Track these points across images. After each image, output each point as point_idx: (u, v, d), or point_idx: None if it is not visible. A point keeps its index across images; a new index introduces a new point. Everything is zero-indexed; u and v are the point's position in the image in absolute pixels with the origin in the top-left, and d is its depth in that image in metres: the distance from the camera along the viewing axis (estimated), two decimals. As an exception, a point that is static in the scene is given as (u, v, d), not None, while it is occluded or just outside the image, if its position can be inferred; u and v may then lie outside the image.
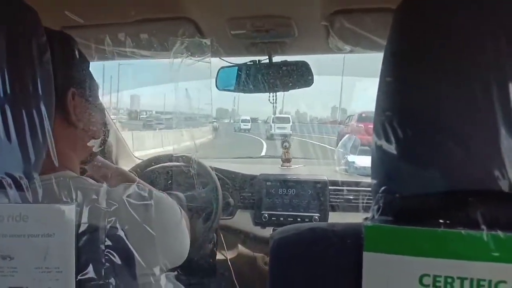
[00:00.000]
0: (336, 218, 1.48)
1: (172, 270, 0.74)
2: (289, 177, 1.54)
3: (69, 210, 0.50)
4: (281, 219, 1.49)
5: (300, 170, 1.74)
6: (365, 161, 1.63)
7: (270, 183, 1.53)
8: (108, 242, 0.53)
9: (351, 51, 1.17)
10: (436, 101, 0.45)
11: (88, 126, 0.70)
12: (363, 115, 10.98)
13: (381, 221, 0.49)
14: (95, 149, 0.63)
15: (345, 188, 1.51)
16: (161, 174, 1.41)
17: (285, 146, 1.73)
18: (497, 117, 0.42)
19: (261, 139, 15.89)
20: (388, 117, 0.49)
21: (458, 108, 0.44)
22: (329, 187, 1.50)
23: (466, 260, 0.43)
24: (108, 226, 0.54)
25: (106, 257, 0.53)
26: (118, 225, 0.54)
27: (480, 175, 0.43)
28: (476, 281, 0.42)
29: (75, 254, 0.50)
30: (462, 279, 0.43)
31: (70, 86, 0.69)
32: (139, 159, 1.78)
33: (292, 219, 1.48)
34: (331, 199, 1.50)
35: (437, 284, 0.44)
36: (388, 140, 0.48)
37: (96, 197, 0.55)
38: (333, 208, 1.50)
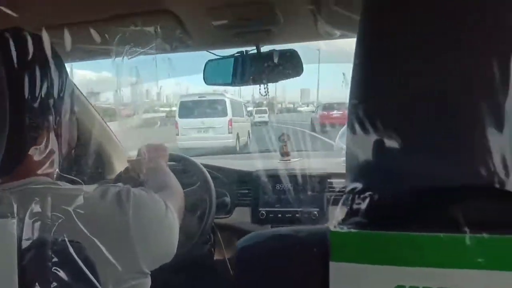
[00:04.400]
0: (337, 212, 1.42)
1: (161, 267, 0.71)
2: (286, 172, 1.48)
3: (10, 225, 0.46)
4: (279, 215, 1.44)
5: (299, 163, 1.68)
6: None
7: (267, 179, 1.48)
8: (55, 258, 0.48)
9: (342, 36, 1.11)
10: (413, 85, 0.40)
11: (64, 133, 0.67)
12: (327, 104, 13.82)
13: (354, 224, 0.43)
14: (36, 158, 0.59)
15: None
16: None
17: (283, 139, 1.67)
18: (484, 104, 0.36)
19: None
20: (360, 106, 0.43)
21: (438, 93, 0.39)
22: (330, 180, 1.44)
23: (447, 268, 0.37)
24: (56, 240, 0.49)
25: (54, 275, 0.48)
26: (66, 238, 0.50)
27: (464, 169, 0.38)
28: (458, 292, 0.37)
29: (18, 274, 0.46)
30: (442, 290, 0.37)
31: (41, 89, 0.65)
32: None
33: (290, 215, 1.43)
34: (331, 193, 1.44)
35: (415, 295, 0.38)
36: (360, 133, 0.43)
37: (40, 210, 0.50)
38: (334, 202, 1.44)
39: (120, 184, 0.69)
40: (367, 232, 0.40)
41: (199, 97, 8.55)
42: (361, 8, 0.46)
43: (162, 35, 1.06)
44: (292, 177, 1.46)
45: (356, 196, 0.44)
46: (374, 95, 0.42)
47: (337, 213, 0.44)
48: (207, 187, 1.29)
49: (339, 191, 0.44)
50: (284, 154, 1.69)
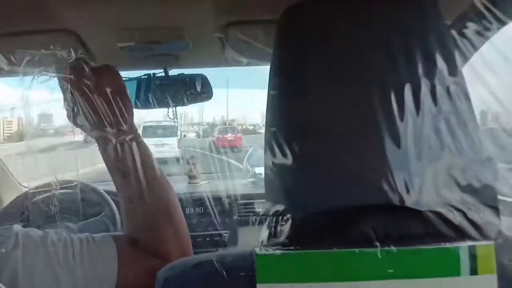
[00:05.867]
0: (247, 233, 1.44)
1: None
2: (195, 195, 1.47)
3: None
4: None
5: (208, 186, 1.68)
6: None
7: None
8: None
9: (248, 64, 1.15)
10: (323, 112, 0.43)
11: None
12: (221, 128, 15.44)
13: (277, 246, 0.45)
14: None
15: (253, 201, 1.48)
16: (51, 203, 1.26)
17: (191, 162, 1.66)
18: (384, 127, 0.41)
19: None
20: (275, 133, 0.46)
21: (344, 119, 0.43)
22: (239, 201, 1.47)
23: (363, 281, 0.41)
24: None
25: None
26: None
27: (371, 188, 0.42)
28: (373, 303, 0.40)
29: None
30: (360, 302, 0.40)
31: None
32: (26, 187, 1.58)
33: (201, 239, 1.41)
34: (241, 214, 1.46)
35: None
36: (277, 157, 0.45)
37: None
38: (244, 223, 1.46)
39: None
40: (289, 252, 0.42)
41: (157, 123, 11.73)
42: (274, 42, 0.49)
43: (62, 55, 1.00)
44: (201, 200, 1.45)
45: (278, 218, 0.46)
46: (286, 122, 0.45)
47: (261, 235, 0.45)
48: (112, 216, 1.22)
49: (263, 214, 0.45)
50: (192, 177, 1.68)
